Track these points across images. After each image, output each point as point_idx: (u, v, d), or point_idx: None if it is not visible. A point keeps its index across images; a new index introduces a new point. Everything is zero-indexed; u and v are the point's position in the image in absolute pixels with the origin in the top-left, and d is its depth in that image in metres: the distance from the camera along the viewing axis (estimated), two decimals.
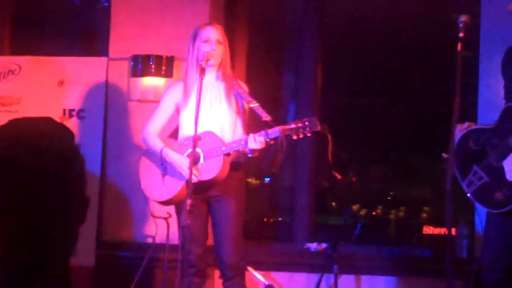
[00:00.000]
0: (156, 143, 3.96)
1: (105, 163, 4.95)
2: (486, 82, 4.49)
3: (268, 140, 3.75)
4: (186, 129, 3.90)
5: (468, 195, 3.68)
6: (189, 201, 3.52)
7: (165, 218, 4.41)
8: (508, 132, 3.58)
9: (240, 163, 3.96)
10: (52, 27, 5.77)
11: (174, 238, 4.32)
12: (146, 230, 4.83)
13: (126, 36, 5.01)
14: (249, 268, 4.41)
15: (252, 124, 4.02)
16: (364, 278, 4.74)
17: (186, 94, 3.96)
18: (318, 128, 3.74)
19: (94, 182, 4.81)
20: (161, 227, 4.56)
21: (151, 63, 4.87)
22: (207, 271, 4.09)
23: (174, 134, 4.12)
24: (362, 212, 6.87)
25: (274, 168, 4.09)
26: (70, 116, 4.99)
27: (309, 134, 3.75)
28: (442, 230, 5.92)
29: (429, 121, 6.57)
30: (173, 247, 4.27)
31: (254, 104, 3.87)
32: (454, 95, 3.30)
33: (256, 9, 5.45)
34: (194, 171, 3.75)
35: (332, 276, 4.59)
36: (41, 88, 5.03)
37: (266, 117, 3.79)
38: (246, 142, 3.76)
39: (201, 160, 3.84)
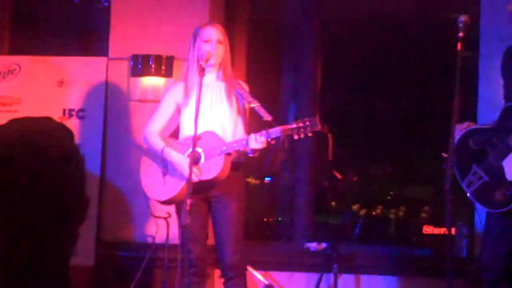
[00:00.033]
0: (157, 143, 3.97)
1: (105, 163, 4.96)
2: (486, 82, 4.49)
3: (269, 139, 3.75)
4: (187, 129, 3.90)
5: (468, 195, 3.68)
6: (188, 201, 3.53)
7: (165, 218, 4.41)
8: (508, 132, 3.58)
9: (241, 163, 3.96)
10: (52, 27, 5.77)
11: (174, 237, 4.32)
12: (146, 229, 4.83)
13: (125, 36, 5.01)
14: (249, 268, 4.41)
15: (252, 123, 4.02)
16: (364, 278, 4.74)
17: (186, 94, 3.96)
18: (319, 127, 3.74)
19: (94, 182, 4.81)
20: (161, 227, 4.56)
21: (150, 63, 4.87)
22: (207, 271, 4.09)
23: (175, 133, 4.12)
24: (362, 212, 6.87)
25: (275, 168, 4.10)
26: (70, 116, 4.99)
27: (310, 134, 3.75)
28: (442, 230, 5.92)
29: (429, 120, 6.57)
30: (173, 247, 4.28)
31: (255, 104, 3.87)
32: (454, 95, 3.30)
33: (256, 9, 5.45)
34: (196, 170, 3.76)
35: (331, 275, 4.59)
36: (41, 88, 5.03)
37: (267, 117, 3.79)
38: (247, 142, 3.76)
39: (202, 160, 3.85)
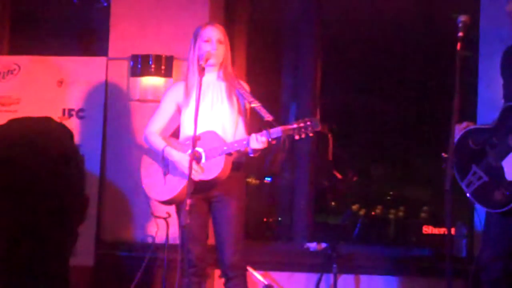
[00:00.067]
0: (158, 142, 3.97)
1: (104, 163, 4.96)
2: (485, 82, 4.49)
3: (270, 140, 3.75)
4: (187, 129, 3.90)
5: (468, 195, 3.68)
6: (188, 201, 3.53)
7: (165, 218, 4.41)
8: (508, 132, 3.58)
9: (241, 163, 3.96)
10: (52, 27, 5.77)
11: (174, 237, 4.32)
12: (146, 229, 4.83)
13: (125, 36, 5.01)
14: (249, 268, 4.41)
15: (253, 123, 4.03)
16: (364, 278, 4.74)
17: (187, 93, 3.96)
18: (320, 127, 3.74)
19: (94, 182, 4.81)
20: (161, 227, 4.56)
21: (150, 62, 4.87)
22: (207, 271, 4.09)
23: (175, 134, 4.12)
24: (362, 212, 6.87)
25: (275, 168, 4.10)
26: (70, 115, 4.99)
27: (311, 134, 3.75)
28: (442, 230, 5.92)
29: (429, 120, 6.57)
30: (173, 247, 4.28)
31: (256, 104, 3.88)
32: (453, 95, 3.30)
33: (256, 9, 5.45)
34: (198, 168, 3.77)
35: (331, 275, 4.59)
36: (41, 88, 5.03)
37: (268, 117, 3.80)
38: (248, 142, 3.76)
39: (203, 160, 3.85)
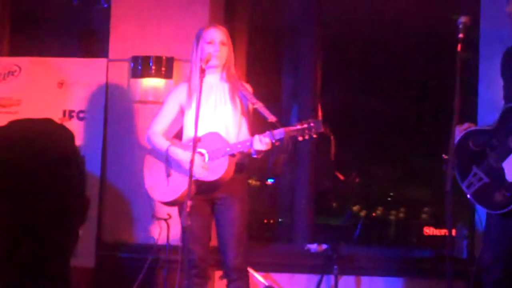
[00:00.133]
0: (162, 142, 3.97)
1: (105, 164, 4.95)
2: (486, 83, 4.49)
3: (273, 141, 3.75)
4: (190, 130, 3.90)
5: (468, 196, 3.67)
6: (189, 203, 3.53)
7: (166, 219, 4.41)
8: (508, 133, 3.57)
9: (244, 165, 3.96)
10: (52, 28, 5.77)
11: (176, 239, 4.32)
12: (147, 231, 4.83)
13: (126, 37, 5.01)
14: (249, 269, 4.41)
15: (256, 125, 4.03)
16: (365, 279, 4.74)
17: (190, 95, 3.96)
18: (323, 129, 3.74)
19: (94, 183, 4.81)
20: (162, 228, 4.56)
21: (151, 64, 4.87)
22: (208, 272, 4.08)
23: (178, 135, 4.12)
24: (362, 213, 6.87)
25: (277, 169, 4.10)
26: (70, 117, 4.99)
27: (315, 136, 3.76)
28: (442, 231, 5.93)
29: (429, 120, 6.57)
30: (174, 248, 4.28)
31: (259, 105, 3.88)
32: (454, 96, 3.30)
33: (256, 9, 5.45)
34: (204, 164, 3.77)
35: (332, 277, 4.59)
36: (41, 89, 5.03)
37: (271, 118, 3.80)
38: (252, 143, 3.76)
39: (206, 160, 3.85)
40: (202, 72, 3.72)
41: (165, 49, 4.92)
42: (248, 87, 4.03)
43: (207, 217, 3.96)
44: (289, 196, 5.41)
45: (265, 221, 6.11)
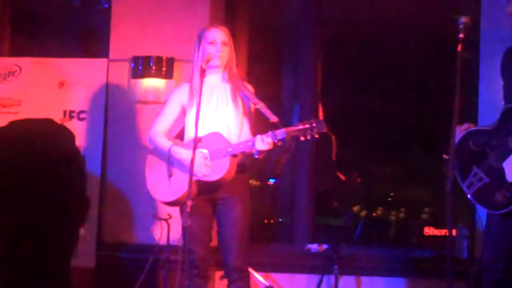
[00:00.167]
0: (164, 142, 3.97)
1: (105, 164, 4.96)
2: (486, 83, 4.49)
3: (275, 141, 3.75)
4: (192, 130, 3.90)
5: (468, 196, 3.67)
6: (189, 203, 3.53)
7: (166, 220, 4.41)
8: (508, 133, 3.57)
9: (246, 165, 3.96)
10: (52, 29, 5.77)
11: (177, 239, 4.32)
12: (147, 231, 4.83)
13: (126, 37, 5.01)
14: (250, 269, 4.41)
15: (258, 125, 4.03)
16: (365, 279, 4.74)
17: (192, 95, 3.96)
18: (325, 129, 3.75)
19: (95, 183, 4.81)
20: (163, 228, 4.56)
21: (151, 64, 4.87)
22: (209, 272, 4.08)
23: (179, 136, 4.12)
24: (363, 213, 6.86)
25: (278, 169, 4.10)
26: (71, 117, 4.99)
27: (317, 136, 3.76)
28: (443, 231, 5.92)
29: (429, 120, 6.57)
30: (175, 249, 4.28)
31: (261, 105, 3.88)
32: (454, 96, 3.30)
33: (256, 9, 5.45)
34: (208, 162, 3.77)
35: (332, 277, 4.59)
36: (42, 89, 5.04)
37: (273, 118, 3.80)
38: (254, 143, 3.77)
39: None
40: (203, 72, 3.73)
41: (166, 49, 4.92)
42: (250, 87, 4.03)
43: (208, 218, 3.96)
44: (289, 196, 5.41)
45: (265, 221, 6.10)
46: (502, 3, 3.85)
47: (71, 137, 1.35)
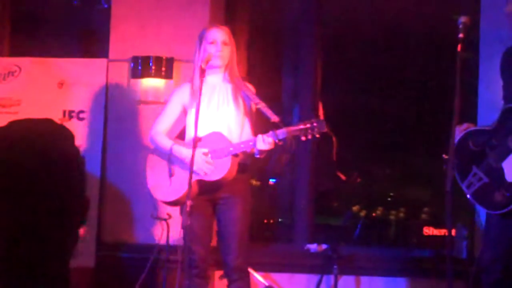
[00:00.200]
0: (165, 142, 3.97)
1: (105, 164, 4.95)
2: (486, 83, 4.49)
3: (277, 141, 3.76)
4: (193, 130, 3.90)
5: (468, 196, 3.67)
6: (189, 202, 3.53)
7: (165, 219, 4.40)
8: (508, 133, 3.57)
9: (247, 165, 3.96)
10: (52, 29, 5.77)
11: (176, 239, 4.32)
12: (147, 231, 4.83)
13: (126, 37, 5.01)
14: (249, 269, 4.41)
15: (259, 125, 4.03)
16: (364, 279, 4.74)
17: (193, 95, 3.96)
18: (326, 129, 3.75)
19: (94, 183, 4.81)
20: (163, 228, 4.56)
21: (151, 64, 4.87)
22: (208, 272, 4.08)
23: (181, 136, 4.12)
24: (362, 213, 6.87)
25: (279, 169, 4.10)
26: (70, 117, 4.99)
27: (317, 135, 3.76)
28: (442, 231, 5.93)
29: (429, 120, 6.57)
30: (175, 248, 4.28)
31: (262, 105, 3.88)
32: (454, 95, 3.30)
33: (256, 9, 5.45)
34: (210, 160, 3.77)
35: (332, 277, 4.59)
36: (41, 89, 5.04)
37: (274, 118, 3.80)
38: (255, 143, 3.77)
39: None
40: (202, 72, 3.73)
41: (165, 49, 4.92)
42: (251, 87, 4.03)
43: (208, 218, 3.96)
44: (289, 196, 5.41)
45: (265, 221, 6.11)
46: (502, 3, 3.85)
47: (71, 137, 1.35)
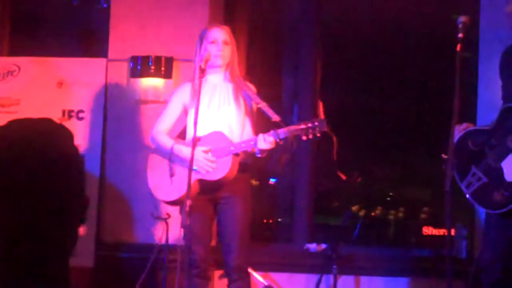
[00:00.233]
0: (166, 141, 3.97)
1: (104, 164, 4.95)
2: (485, 83, 4.49)
3: (278, 140, 3.75)
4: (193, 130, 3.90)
5: (467, 196, 3.67)
6: (188, 202, 3.52)
7: (165, 219, 4.40)
8: (507, 133, 3.57)
9: (248, 165, 3.96)
10: (51, 28, 5.77)
11: (176, 239, 4.31)
12: (146, 230, 4.83)
13: (125, 37, 5.01)
14: (249, 269, 4.41)
15: (260, 124, 4.03)
16: (364, 279, 4.74)
17: (193, 95, 3.96)
18: (327, 128, 3.74)
19: (94, 183, 4.81)
20: (164, 228, 4.55)
21: (150, 64, 4.87)
22: (209, 273, 4.07)
23: (181, 135, 4.12)
24: (362, 213, 6.87)
25: (279, 169, 4.10)
26: (70, 116, 4.99)
27: (318, 135, 3.75)
28: (442, 231, 5.93)
29: (429, 120, 6.58)
30: (174, 248, 4.27)
31: (263, 105, 3.88)
32: (453, 95, 3.30)
33: (256, 9, 5.45)
34: (212, 158, 3.77)
35: (331, 276, 4.59)
36: (40, 89, 5.03)
37: (275, 117, 3.80)
38: (256, 142, 3.76)
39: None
40: (202, 72, 3.73)
41: (165, 49, 4.92)
42: (252, 87, 4.03)
43: (209, 217, 3.95)
44: (289, 195, 5.41)
45: (265, 220, 6.11)
46: (501, 3, 3.84)
47: (70, 136, 1.35)
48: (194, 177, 3.77)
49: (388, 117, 7.03)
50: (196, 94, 3.85)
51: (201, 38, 3.99)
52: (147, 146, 4.52)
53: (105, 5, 5.31)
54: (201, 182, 3.85)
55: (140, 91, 4.91)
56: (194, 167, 3.78)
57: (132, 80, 4.94)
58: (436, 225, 6.21)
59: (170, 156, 3.94)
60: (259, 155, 3.81)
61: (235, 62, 4.02)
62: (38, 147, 1.29)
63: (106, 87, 5.00)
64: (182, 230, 3.67)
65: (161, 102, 4.76)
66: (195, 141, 3.62)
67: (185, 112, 4.03)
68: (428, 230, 6.30)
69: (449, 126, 3.37)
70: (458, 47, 3.38)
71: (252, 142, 3.80)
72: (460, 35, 3.39)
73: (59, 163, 1.29)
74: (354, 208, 6.77)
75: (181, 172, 3.92)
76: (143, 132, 4.83)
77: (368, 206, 6.94)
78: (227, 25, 4.14)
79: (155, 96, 4.85)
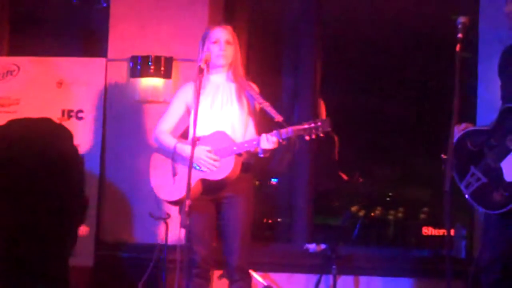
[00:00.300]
0: (169, 140, 3.97)
1: (104, 164, 4.95)
2: (485, 83, 4.50)
3: (281, 140, 3.75)
4: (196, 130, 3.90)
5: (466, 196, 3.67)
6: (188, 202, 3.52)
7: (164, 219, 4.40)
8: (506, 133, 3.57)
9: (250, 165, 3.96)
10: (51, 28, 5.77)
11: (176, 239, 4.31)
12: (146, 230, 4.83)
13: (125, 37, 5.01)
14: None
15: (263, 124, 4.03)
16: (363, 279, 4.74)
17: (196, 94, 3.96)
18: (330, 128, 3.74)
19: (93, 182, 4.81)
20: (163, 228, 4.56)
21: (150, 63, 4.87)
22: (209, 273, 4.06)
23: (183, 135, 4.12)
24: (361, 213, 6.87)
25: (282, 168, 4.10)
26: (69, 116, 4.99)
27: (322, 135, 3.75)
28: (441, 231, 5.93)
29: (429, 120, 6.58)
30: (174, 248, 4.27)
31: (265, 105, 3.88)
32: (453, 96, 3.30)
33: (256, 9, 5.45)
34: (213, 156, 3.77)
35: (331, 277, 4.59)
36: (40, 88, 5.03)
37: (278, 117, 3.80)
38: (259, 142, 3.76)
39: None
40: (201, 72, 3.73)
41: (165, 49, 4.92)
42: (255, 87, 4.03)
43: (210, 217, 3.95)
44: (288, 195, 5.41)
45: (264, 220, 6.10)
46: (501, 3, 3.85)
47: (70, 136, 1.35)
48: (197, 176, 3.77)
49: (388, 117, 7.03)
50: (197, 94, 3.86)
51: (204, 38, 3.99)
52: (147, 145, 4.53)
53: (104, 5, 5.31)
54: (204, 182, 3.85)
55: (140, 91, 4.91)
56: (196, 166, 3.79)
57: (132, 80, 4.94)
58: (435, 225, 6.21)
59: (173, 156, 3.94)
60: (262, 155, 3.81)
61: (238, 62, 4.02)
62: (37, 147, 1.29)
63: (105, 87, 5.01)
64: (183, 230, 3.67)
65: (161, 102, 4.76)
66: (194, 141, 3.62)
67: (188, 112, 4.03)
68: (427, 230, 6.29)
69: (449, 126, 3.38)
70: (458, 47, 3.38)
71: (255, 142, 3.79)
72: (460, 35, 3.40)
73: (59, 163, 1.29)
74: (354, 208, 6.77)
75: (183, 171, 3.91)
76: (143, 132, 4.84)
77: (367, 206, 6.94)
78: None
79: (154, 96, 4.85)
